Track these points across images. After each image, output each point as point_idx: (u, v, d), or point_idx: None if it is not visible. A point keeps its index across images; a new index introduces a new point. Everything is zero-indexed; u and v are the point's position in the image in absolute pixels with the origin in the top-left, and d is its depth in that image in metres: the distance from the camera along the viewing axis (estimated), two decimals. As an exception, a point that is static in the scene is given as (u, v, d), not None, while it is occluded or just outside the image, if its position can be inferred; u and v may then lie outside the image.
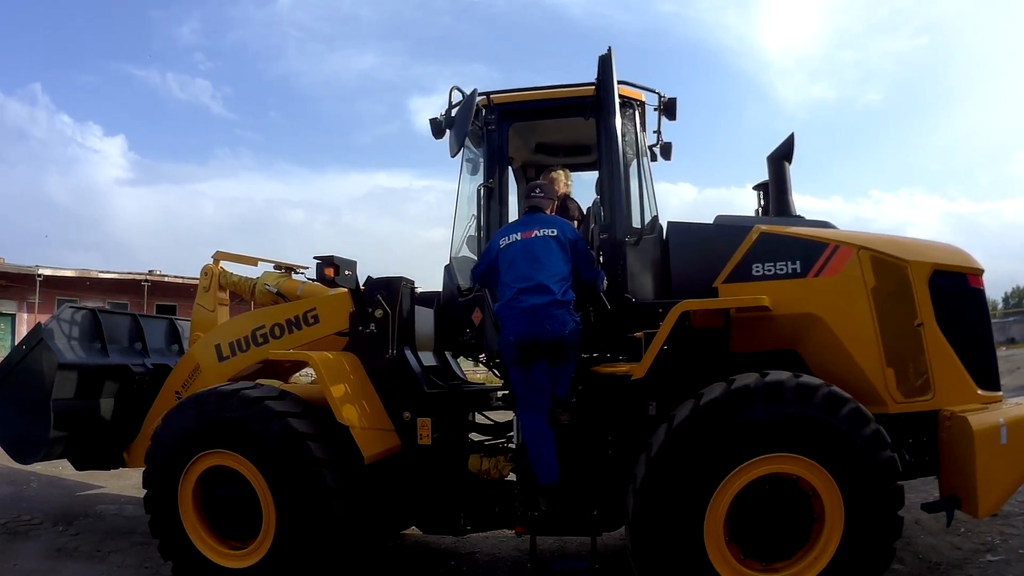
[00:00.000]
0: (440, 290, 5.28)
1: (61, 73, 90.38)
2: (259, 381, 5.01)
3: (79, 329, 5.73)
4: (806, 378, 3.84)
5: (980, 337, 4.40)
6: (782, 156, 4.99)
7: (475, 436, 5.18)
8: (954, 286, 4.31)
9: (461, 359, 6.03)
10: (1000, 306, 53.42)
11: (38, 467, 6.89)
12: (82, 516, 6.50)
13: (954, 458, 4.01)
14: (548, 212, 4.66)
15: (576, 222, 5.22)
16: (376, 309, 4.94)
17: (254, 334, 5.39)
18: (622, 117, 4.76)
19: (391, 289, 4.99)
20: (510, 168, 5.40)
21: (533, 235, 4.40)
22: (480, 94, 4.92)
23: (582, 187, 5.86)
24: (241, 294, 6.29)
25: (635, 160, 5.02)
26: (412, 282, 5.18)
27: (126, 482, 7.55)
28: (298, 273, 6.13)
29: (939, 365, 4.14)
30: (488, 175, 4.99)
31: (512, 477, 4.80)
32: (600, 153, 4.88)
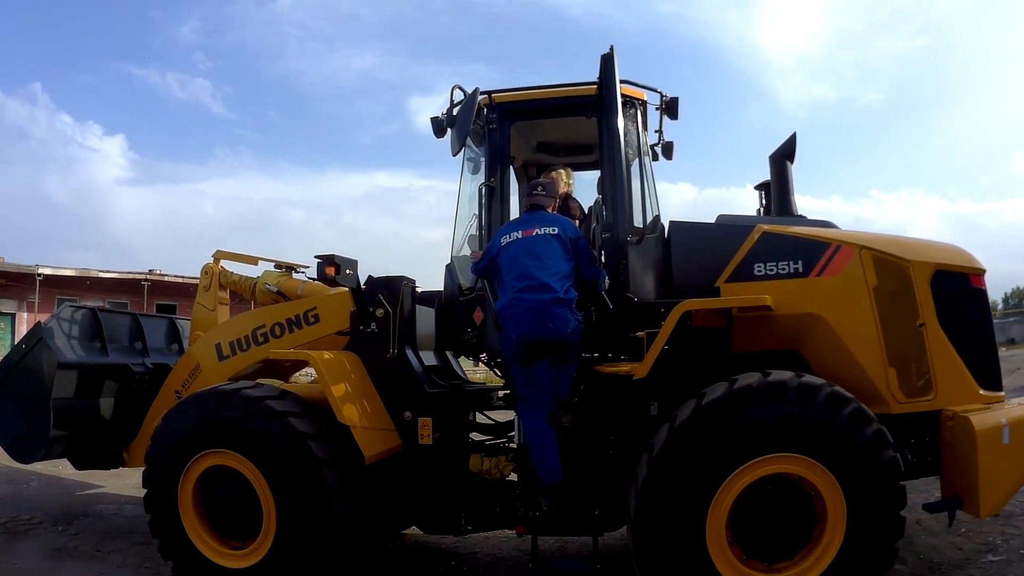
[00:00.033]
0: (441, 289, 5.27)
1: (61, 73, 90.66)
2: (259, 380, 4.99)
3: (79, 328, 5.73)
4: (808, 378, 3.83)
5: (982, 337, 4.39)
6: (784, 156, 4.98)
7: (476, 436, 5.17)
8: (956, 286, 4.30)
9: (461, 359, 6.02)
10: (1000, 306, 53.40)
11: (38, 466, 6.88)
12: (82, 516, 6.49)
13: (956, 458, 4.00)
14: (549, 211, 4.64)
15: (578, 221, 5.19)
16: (377, 308, 4.93)
17: (254, 333, 5.39)
18: (624, 116, 4.75)
19: (392, 288, 4.98)
20: (511, 167, 5.40)
21: (534, 233, 4.38)
22: (482, 93, 4.91)
23: (583, 186, 5.86)
24: (241, 293, 6.29)
25: (637, 159, 5.02)
26: (413, 281, 5.17)
27: (126, 482, 7.54)
28: (299, 272, 6.13)
29: (941, 365, 4.13)
30: (489, 174, 4.98)
31: (513, 477, 4.79)
32: (602, 152, 4.87)
